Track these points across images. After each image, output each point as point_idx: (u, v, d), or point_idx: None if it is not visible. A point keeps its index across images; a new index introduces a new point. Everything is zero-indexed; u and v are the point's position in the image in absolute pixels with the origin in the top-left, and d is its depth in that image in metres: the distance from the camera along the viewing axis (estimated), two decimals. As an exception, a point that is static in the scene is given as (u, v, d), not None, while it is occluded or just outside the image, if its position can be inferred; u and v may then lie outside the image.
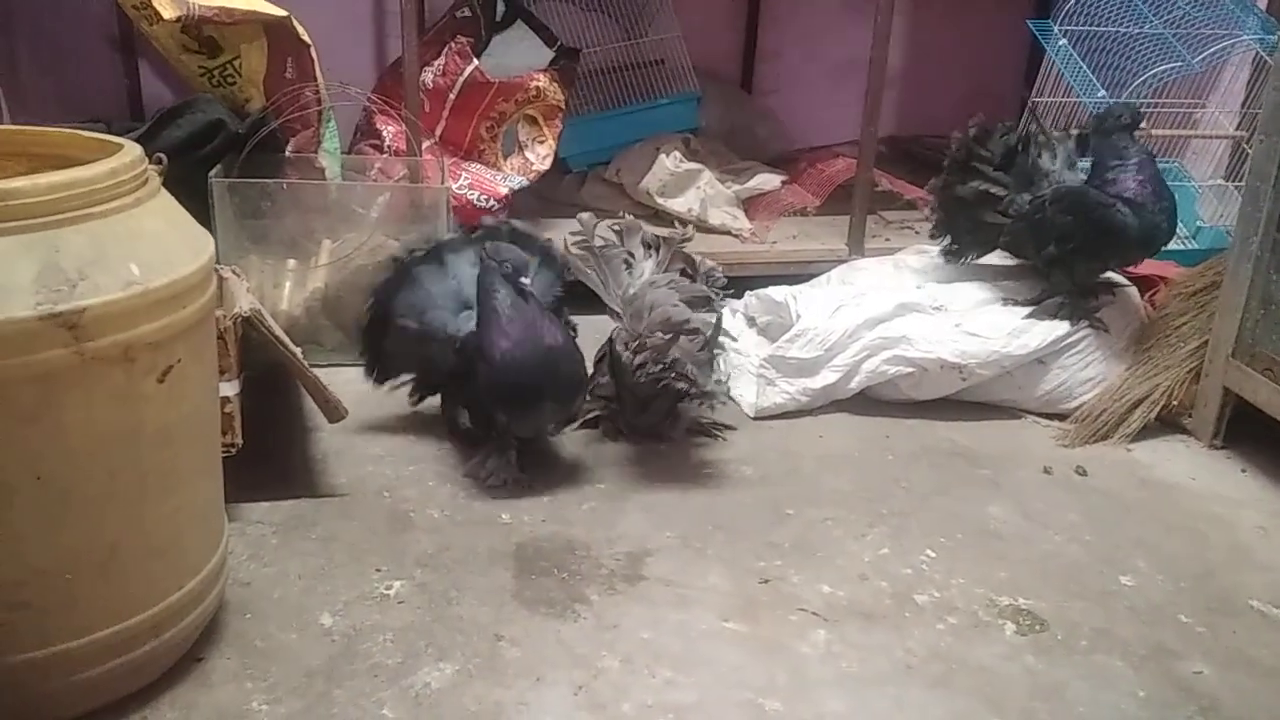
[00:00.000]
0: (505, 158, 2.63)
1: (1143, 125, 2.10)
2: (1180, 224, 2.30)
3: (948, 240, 2.36)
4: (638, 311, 1.83)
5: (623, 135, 2.86)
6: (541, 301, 1.77)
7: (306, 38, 2.20)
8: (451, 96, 2.56)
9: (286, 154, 2.25)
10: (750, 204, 2.84)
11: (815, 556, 1.63)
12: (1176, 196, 2.13)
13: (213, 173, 2.07)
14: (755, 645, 1.42)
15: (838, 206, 2.74)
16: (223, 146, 2.10)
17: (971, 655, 1.42)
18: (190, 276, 1.18)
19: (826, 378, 2.09)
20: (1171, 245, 2.20)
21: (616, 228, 2.02)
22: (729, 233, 2.72)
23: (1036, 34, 2.66)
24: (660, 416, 1.92)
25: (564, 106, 2.63)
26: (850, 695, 1.34)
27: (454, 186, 2.42)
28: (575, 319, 1.99)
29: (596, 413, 1.96)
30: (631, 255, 1.97)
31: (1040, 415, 2.14)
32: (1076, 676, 1.39)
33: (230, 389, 1.55)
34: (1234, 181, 2.68)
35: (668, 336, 1.76)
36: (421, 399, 1.93)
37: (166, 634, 1.23)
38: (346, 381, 1.89)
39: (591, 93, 2.92)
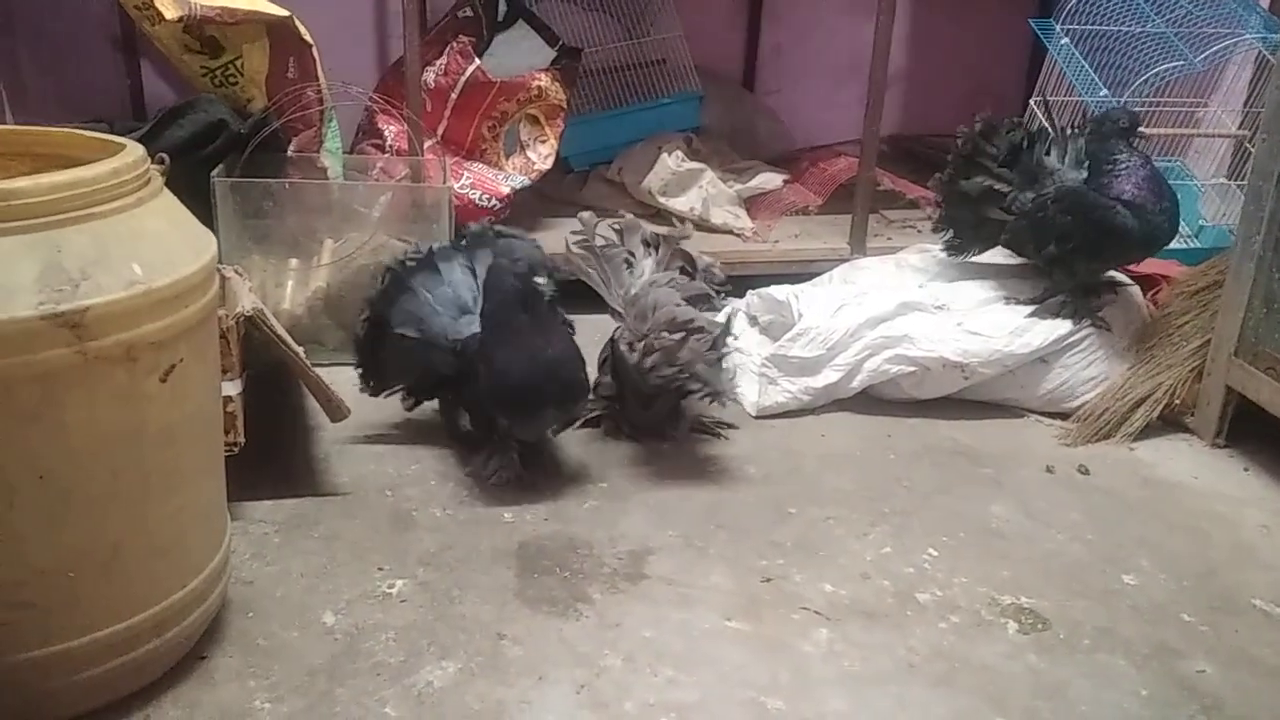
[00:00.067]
0: (507, 157, 2.63)
1: (1141, 129, 2.09)
2: (1183, 223, 2.30)
3: (950, 235, 2.36)
4: (642, 311, 1.83)
5: (625, 134, 2.86)
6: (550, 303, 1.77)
7: (308, 37, 2.20)
8: (453, 96, 2.56)
9: (289, 154, 2.25)
10: (752, 203, 2.84)
11: (817, 555, 1.63)
12: (1179, 195, 2.12)
13: (215, 172, 2.07)
14: (757, 644, 1.42)
15: (840, 205, 2.74)
16: (225, 146, 2.11)
17: (974, 654, 1.42)
18: (192, 276, 1.18)
19: (828, 377, 2.09)
20: (1174, 244, 2.19)
21: (616, 226, 2.02)
22: (731, 232, 2.72)
23: (1039, 33, 2.66)
24: (663, 415, 1.92)
25: (566, 106, 2.63)
26: (852, 694, 1.34)
27: (456, 186, 2.42)
28: (575, 318, 1.99)
29: (598, 412, 1.96)
30: (632, 254, 1.97)
31: (1042, 414, 2.14)
32: (1079, 675, 1.39)
33: (233, 388, 1.55)
34: (1236, 180, 2.68)
35: (677, 337, 1.76)
36: (416, 404, 1.93)
37: (169, 633, 1.24)
38: (348, 380, 1.89)
39: (593, 92, 2.92)
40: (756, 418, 2.07)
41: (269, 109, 2.17)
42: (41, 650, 1.14)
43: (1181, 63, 2.51)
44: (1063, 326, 2.12)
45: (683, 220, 2.44)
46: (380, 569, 1.53)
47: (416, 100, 2.39)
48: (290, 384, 1.91)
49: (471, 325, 1.75)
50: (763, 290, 2.32)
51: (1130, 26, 2.57)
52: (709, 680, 1.35)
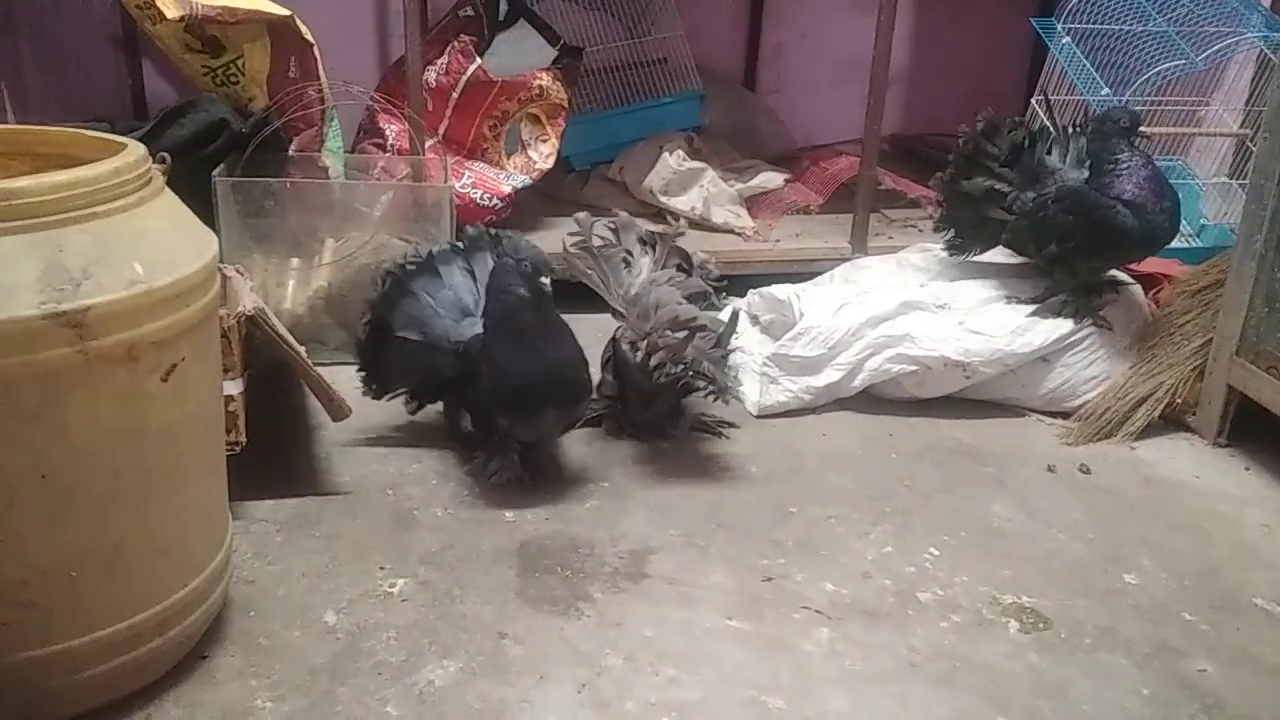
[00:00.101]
0: (508, 156, 2.63)
1: (1142, 128, 2.09)
2: (1184, 222, 2.30)
3: (951, 234, 2.36)
4: (644, 311, 1.83)
5: (626, 134, 2.86)
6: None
7: (310, 37, 2.20)
8: (454, 95, 2.56)
9: (290, 153, 2.25)
10: (753, 202, 2.84)
11: (819, 554, 1.63)
12: (1180, 194, 2.12)
13: (216, 172, 2.07)
14: (758, 643, 1.42)
15: (841, 205, 2.74)
16: (226, 146, 2.11)
17: (975, 653, 1.42)
18: (194, 275, 1.18)
19: (830, 376, 2.09)
20: (1175, 243, 2.19)
21: (612, 225, 2.02)
22: (732, 231, 2.72)
23: (1040, 32, 2.66)
24: (664, 414, 1.92)
25: (567, 105, 2.63)
26: (854, 693, 1.34)
27: (457, 185, 2.42)
28: (575, 318, 1.98)
29: (599, 411, 1.96)
30: (629, 253, 1.97)
31: (1044, 413, 2.14)
32: (1080, 675, 1.39)
33: (234, 388, 1.56)
34: (1238, 179, 2.68)
35: (680, 335, 1.76)
36: (419, 407, 1.93)
37: (171, 632, 1.24)
38: (350, 380, 1.89)
39: (594, 91, 2.92)
40: (758, 417, 2.07)
41: (270, 108, 2.17)
42: (43, 649, 1.14)
43: (1183, 62, 2.51)
44: (1064, 326, 2.12)
45: (678, 218, 2.45)
46: (382, 568, 1.53)
47: (418, 99, 2.39)
48: (292, 383, 1.91)
49: (473, 327, 1.75)
50: (764, 289, 2.32)
51: (1132, 25, 2.57)
52: (710, 679, 1.35)
